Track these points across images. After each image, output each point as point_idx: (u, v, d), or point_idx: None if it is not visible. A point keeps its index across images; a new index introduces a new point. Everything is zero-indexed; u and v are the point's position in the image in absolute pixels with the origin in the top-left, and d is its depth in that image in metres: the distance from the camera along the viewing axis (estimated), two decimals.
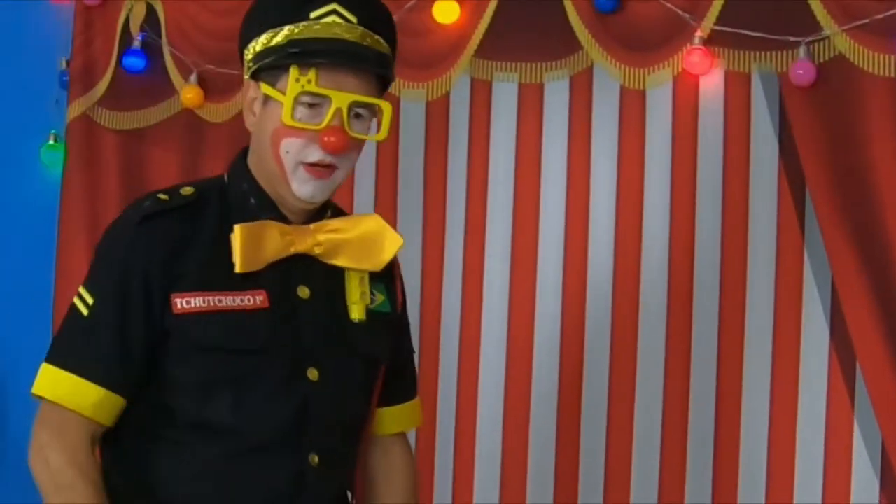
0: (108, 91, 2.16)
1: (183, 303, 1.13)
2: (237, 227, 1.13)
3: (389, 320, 1.28)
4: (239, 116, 2.23)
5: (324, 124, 1.11)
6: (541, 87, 1.96)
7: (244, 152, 1.23)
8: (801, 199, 1.81)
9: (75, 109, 2.19)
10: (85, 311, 1.13)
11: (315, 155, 1.12)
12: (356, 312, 1.21)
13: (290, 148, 1.14)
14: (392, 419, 1.34)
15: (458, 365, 2.18)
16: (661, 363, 1.99)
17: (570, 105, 1.95)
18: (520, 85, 1.95)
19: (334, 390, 1.20)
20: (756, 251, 1.88)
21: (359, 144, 1.18)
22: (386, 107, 1.17)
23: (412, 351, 1.39)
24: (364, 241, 1.23)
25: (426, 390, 2.11)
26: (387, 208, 2.06)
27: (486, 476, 2.17)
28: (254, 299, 1.15)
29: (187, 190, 1.20)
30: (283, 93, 1.14)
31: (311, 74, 1.13)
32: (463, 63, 1.92)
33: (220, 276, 1.14)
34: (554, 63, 1.90)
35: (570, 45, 1.87)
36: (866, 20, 1.63)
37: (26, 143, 2.27)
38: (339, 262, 1.20)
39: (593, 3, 1.88)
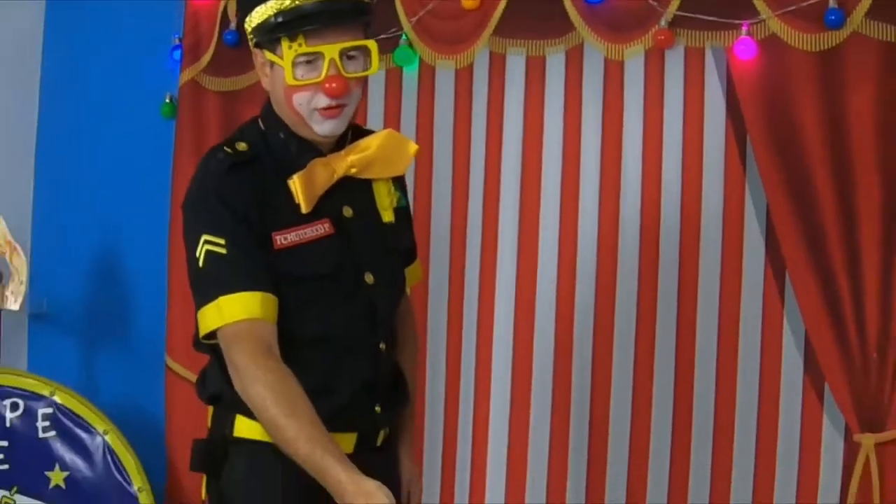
0: (211, 62, 2.35)
1: (281, 239, 1.21)
2: (295, 177, 1.21)
3: (407, 210, 1.41)
4: None
5: (322, 76, 1.17)
6: (543, 59, 2.13)
7: (269, 102, 1.30)
8: (744, 151, 2.02)
9: (186, 76, 2.38)
10: (223, 251, 1.17)
11: (322, 102, 1.19)
12: (387, 216, 1.33)
13: (301, 101, 1.20)
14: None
15: (477, 325, 2.28)
16: (633, 311, 2.16)
17: (566, 73, 2.13)
18: (527, 57, 2.12)
19: (387, 286, 1.32)
20: (708, 192, 2.07)
21: (359, 81, 1.25)
22: (371, 45, 1.23)
23: (412, 219, 1.50)
24: (388, 153, 1.31)
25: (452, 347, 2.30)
26: (425, 155, 2.22)
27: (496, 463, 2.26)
28: (322, 227, 1.23)
29: (242, 146, 1.25)
30: (282, 58, 1.20)
31: (301, 39, 1.17)
32: (484, 40, 2.09)
33: (294, 213, 1.22)
34: (553, 40, 2.08)
35: (566, 26, 2.03)
36: (793, 7, 1.85)
37: (149, 103, 2.50)
38: (370, 175, 1.30)
39: None
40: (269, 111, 1.29)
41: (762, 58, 1.93)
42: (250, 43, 1.29)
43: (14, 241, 2.40)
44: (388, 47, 2.14)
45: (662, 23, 1.95)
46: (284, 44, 1.19)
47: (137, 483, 2.31)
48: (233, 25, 2.27)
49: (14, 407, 2.31)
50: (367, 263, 1.31)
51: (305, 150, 1.27)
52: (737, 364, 2.03)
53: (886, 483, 1.88)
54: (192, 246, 1.21)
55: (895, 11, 1.84)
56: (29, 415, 2.31)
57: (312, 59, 1.19)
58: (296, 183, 1.21)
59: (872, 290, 1.91)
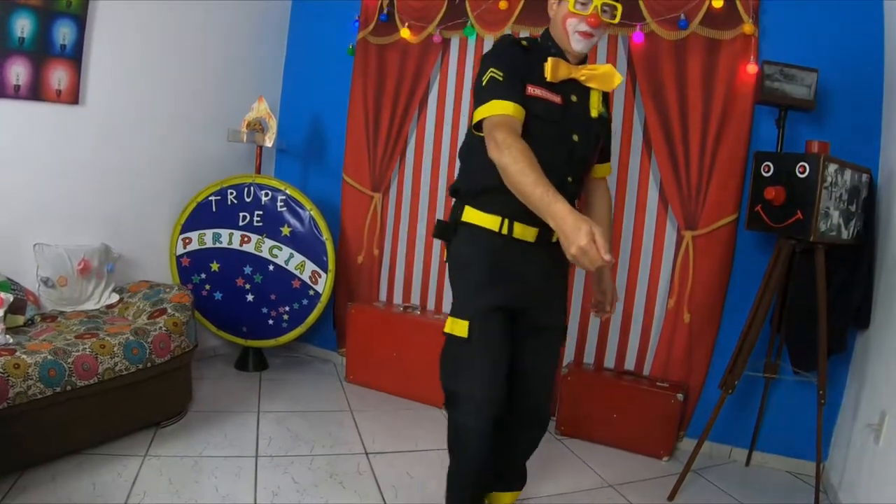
0: (372, 30, 3.11)
1: (532, 89, 1.43)
2: (550, 59, 1.46)
3: (604, 119, 1.61)
4: (422, 40, 2.87)
5: (589, 12, 1.43)
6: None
7: (548, 29, 1.52)
8: (634, 89, 2.59)
9: (360, 36, 3.16)
10: (501, 78, 1.38)
11: (583, 27, 1.44)
12: (594, 112, 1.54)
13: (571, 23, 1.45)
14: (599, 170, 1.70)
15: None
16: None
17: None
18: (530, 35, 2.71)
19: (584, 146, 1.53)
20: (616, 112, 2.63)
21: (605, 25, 1.47)
22: (619, 6, 1.45)
23: (611, 135, 1.67)
24: (605, 75, 1.53)
25: None
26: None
27: None
28: (556, 98, 1.47)
29: (524, 42, 1.50)
30: None
31: None
32: (509, 25, 2.80)
33: (542, 80, 1.46)
34: (542, 26, 2.61)
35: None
36: (663, 18, 2.48)
37: (343, 47, 3.23)
38: (591, 84, 1.51)
39: None
40: (546, 32, 1.52)
41: (646, 43, 2.56)
42: None
43: (270, 112, 3.09)
44: (459, 27, 2.86)
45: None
46: None
47: (325, 235, 2.93)
48: (386, 10, 3.04)
49: (266, 195, 2.93)
50: (574, 128, 1.49)
51: (560, 54, 1.48)
52: (625, 195, 2.68)
53: (696, 256, 2.50)
54: (482, 73, 1.39)
55: (714, 22, 2.43)
56: (273, 199, 2.92)
57: (586, 3, 1.42)
58: (549, 62, 1.43)
59: (694, 157, 2.49)
